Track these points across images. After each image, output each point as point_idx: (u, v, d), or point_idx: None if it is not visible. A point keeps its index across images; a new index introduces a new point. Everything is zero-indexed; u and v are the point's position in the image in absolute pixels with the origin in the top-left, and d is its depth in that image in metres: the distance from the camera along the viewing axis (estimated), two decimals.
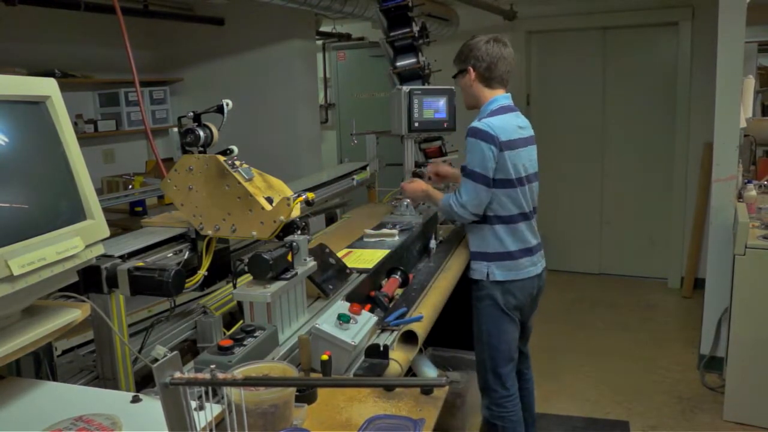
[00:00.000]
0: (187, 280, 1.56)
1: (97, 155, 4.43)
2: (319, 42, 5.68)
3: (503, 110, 2.36)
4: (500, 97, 2.39)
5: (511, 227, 2.36)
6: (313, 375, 1.56)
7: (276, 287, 1.64)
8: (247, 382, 0.94)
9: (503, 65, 2.38)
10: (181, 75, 4.88)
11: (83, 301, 1.28)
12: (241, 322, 1.69)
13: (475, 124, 2.28)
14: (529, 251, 2.41)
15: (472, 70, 2.37)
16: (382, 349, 1.62)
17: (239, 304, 1.77)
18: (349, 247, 2.44)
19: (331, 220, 3.44)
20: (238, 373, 1.13)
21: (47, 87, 1.16)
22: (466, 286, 2.48)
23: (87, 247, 1.15)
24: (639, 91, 5.26)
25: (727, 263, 3.36)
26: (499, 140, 2.25)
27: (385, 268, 2.23)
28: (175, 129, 1.74)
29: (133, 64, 1.77)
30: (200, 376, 0.82)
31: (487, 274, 2.38)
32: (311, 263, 1.83)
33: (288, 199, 1.63)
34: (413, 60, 3.09)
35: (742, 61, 3.39)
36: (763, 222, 3.28)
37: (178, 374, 0.81)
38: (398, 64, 3.10)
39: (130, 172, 4.45)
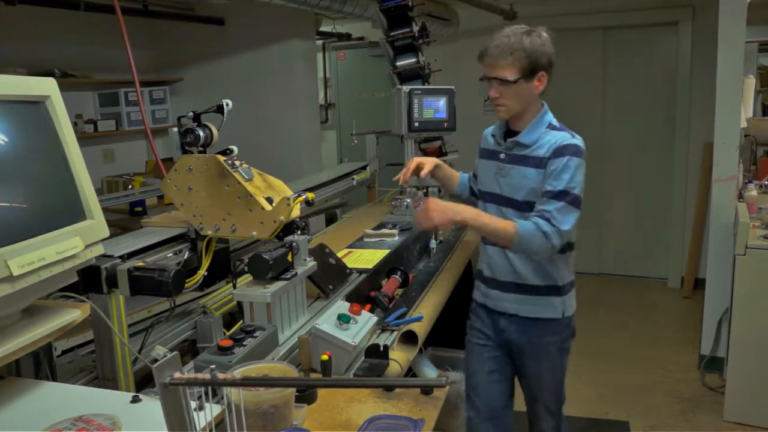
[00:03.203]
0: (187, 280, 1.56)
1: (97, 155, 4.43)
2: (319, 42, 5.68)
3: (561, 123, 1.99)
4: (547, 106, 2.04)
5: (574, 252, 2.04)
6: (313, 375, 1.56)
7: (276, 287, 1.64)
8: (247, 383, 0.94)
9: None
10: (181, 75, 4.88)
11: (83, 301, 1.28)
12: (241, 322, 1.69)
13: (574, 141, 1.88)
14: None
15: (545, 77, 1.95)
16: (382, 349, 1.62)
17: (239, 304, 1.77)
18: (349, 247, 2.44)
19: (331, 220, 3.44)
20: (238, 373, 1.13)
21: (47, 87, 1.16)
22: (466, 286, 2.47)
23: (87, 247, 1.15)
24: (639, 91, 5.26)
25: (727, 263, 3.36)
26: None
27: (385, 268, 2.23)
28: (175, 129, 1.74)
29: (133, 64, 1.77)
30: (200, 376, 0.82)
31: (563, 312, 2.00)
32: (311, 263, 1.83)
33: (288, 199, 1.63)
34: (413, 60, 3.10)
35: (743, 61, 3.39)
36: (763, 222, 3.28)
37: (177, 374, 0.81)
38: (398, 63, 3.10)
39: (130, 172, 4.45)
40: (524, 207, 1.91)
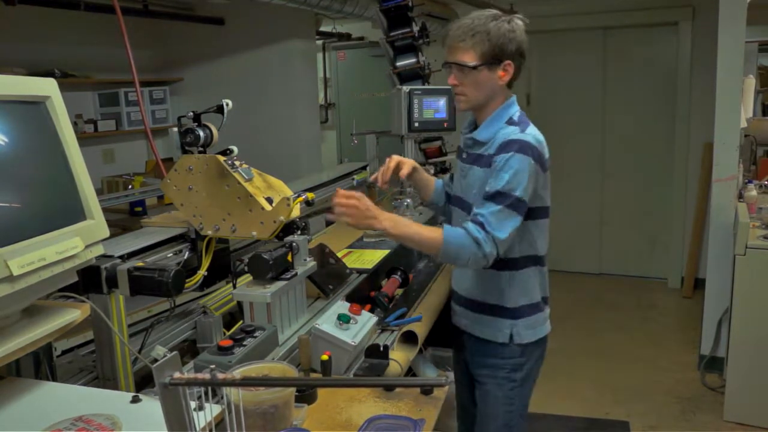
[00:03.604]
0: (186, 280, 1.56)
1: (97, 155, 4.43)
2: (319, 42, 5.68)
3: (525, 117, 1.76)
4: (514, 99, 1.79)
5: (543, 269, 1.84)
6: (313, 375, 1.56)
7: (276, 287, 1.64)
8: (247, 383, 0.94)
9: None
10: (181, 75, 4.88)
11: (83, 301, 1.28)
12: (241, 322, 1.69)
13: (522, 136, 1.65)
14: (547, 296, 1.90)
15: (512, 66, 1.70)
16: (382, 349, 1.62)
17: (239, 304, 1.77)
18: (349, 247, 2.44)
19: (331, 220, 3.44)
20: (238, 373, 1.13)
21: (47, 87, 1.16)
22: None
23: (87, 247, 1.15)
24: (639, 91, 5.26)
25: (727, 263, 3.36)
26: (545, 158, 1.71)
27: (385, 268, 2.23)
28: (175, 129, 1.74)
29: (133, 64, 1.77)
30: (200, 376, 0.82)
31: (511, 336, 1.78)
32: (311, 263, 1.83)
33: (288, 199, 1.63)
34: (413, 60, 3.10)
35: (743, 61, 3.39)
36: (763, 222, 3.28)
37: (177, 374, 0.81)
38: (398, 64, 3.10)
39: (130, 172, 4.45)
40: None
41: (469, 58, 1.68)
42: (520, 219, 1.62)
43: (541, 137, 1.70)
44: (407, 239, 1.65)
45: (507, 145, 1.64)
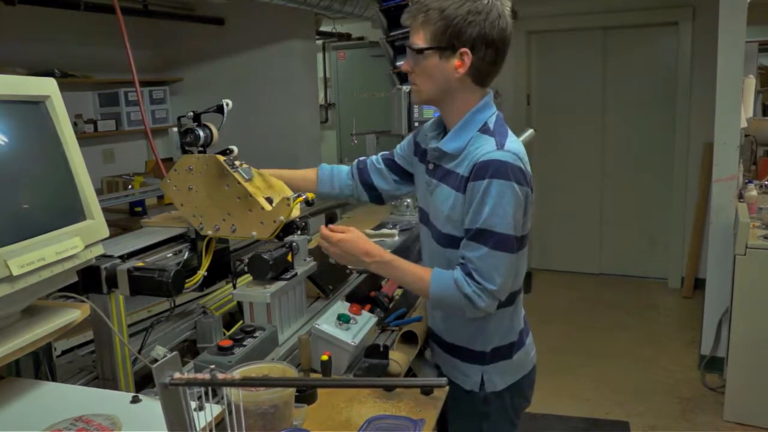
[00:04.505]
0: (186, 281, 1.55)
1: (97, 155, 4.43)
2: (319, 42, 5.68)
3: (502, 122, 1.48)
4: (490, 99, 1.49)
5: (519, 301, 1.60)
6: (313, 375, 1.56)
7: (276, 287, 1.64)
8: (247, 383, 0.94)
9: (508, 47, 1.44)
10: (181, 75, 4.88)
11: (83, 301, 1.28)
12: (241, 322, 1.69)
13: (499, 155, 1.37)
14: (527, 324, 1.65)
15: (468, 56, 1.39)
16: (382, 349, 1.62)
17: (239, 304, 1.77)
18: None
19: (331, 220, 3.44)
20: (238, 373, 1.13)
21: (47, 87, 1.16)
22: None
23: (87, 247, 1.15)
24: (639, 91, 5.27)
25: (727, 263, 3.36)
26: (530, 176, 1.42)
27: None
28: (175, 129, 1.74)
29: (133, 64, 1.77)
30: (200, 376, 0.82)
31: (482, 383, 1.56)
32: (311, 263, 1.83)
33: (288, 199, 1.63)
34: None
35: (743, 61, 3.40)
36: (763, 222, 3.28)
37: (177, 374, 0.81)
38: (398, 63, 3.10)
39: (129, 172, 4.46)
40: (444, 242, 1.51)
41: (418, 40, 1.42)
42: (511, 255, 1.40)
43: (521, 150, 1.42)
44: (399, 281, 1.61)
45: (482, 169, 1.37)
